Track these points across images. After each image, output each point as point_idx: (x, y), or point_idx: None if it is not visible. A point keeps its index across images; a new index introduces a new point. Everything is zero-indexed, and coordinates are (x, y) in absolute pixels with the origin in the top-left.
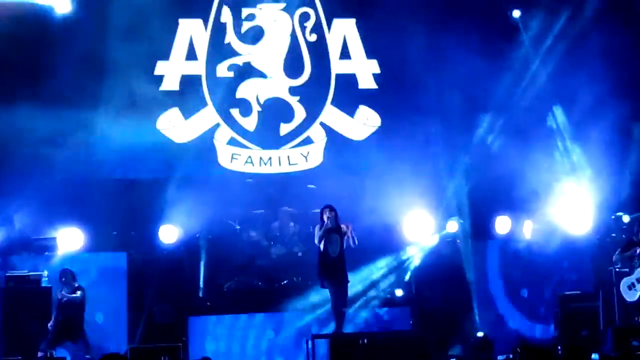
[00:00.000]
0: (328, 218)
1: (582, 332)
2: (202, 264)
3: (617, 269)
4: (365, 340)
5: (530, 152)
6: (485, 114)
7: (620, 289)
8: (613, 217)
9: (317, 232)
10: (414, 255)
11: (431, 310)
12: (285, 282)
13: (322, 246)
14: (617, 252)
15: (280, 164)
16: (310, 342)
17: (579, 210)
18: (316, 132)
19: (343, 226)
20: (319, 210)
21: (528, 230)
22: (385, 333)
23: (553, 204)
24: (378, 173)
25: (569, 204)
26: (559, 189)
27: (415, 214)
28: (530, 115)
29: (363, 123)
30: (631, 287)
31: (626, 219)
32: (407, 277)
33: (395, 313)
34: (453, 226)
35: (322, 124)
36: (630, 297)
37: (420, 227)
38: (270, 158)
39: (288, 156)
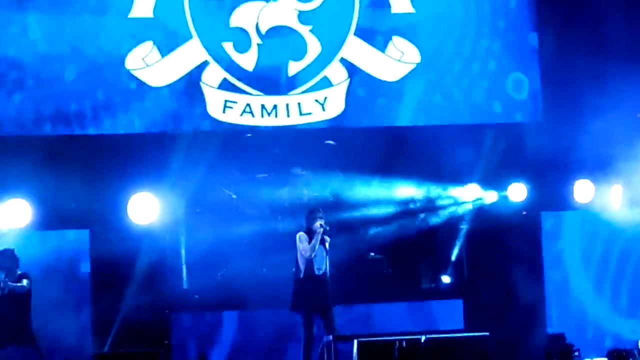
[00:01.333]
0: (322, 225)
1: None
2: (185, 245)
3: None
4: (404, 344)
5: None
6: None
7: None
8: None
9: (304, 244)
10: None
11: (490, 303)
12: (293, 269)
13: (302, 263)
14: None
15: (288, 114)
16: (328, 346)
17: None
18: (335, 72)
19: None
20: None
21: (617, 199)
22: (430, 334)
23: None
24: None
25: None
26: None
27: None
28: None
29: (397, 59)
30: None
31: None
32: (454, 256)
33: (441, 307)
34: (518, 192)
35: (342, 60)
36: None
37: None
38: (275, 106)
39: (299, 103)
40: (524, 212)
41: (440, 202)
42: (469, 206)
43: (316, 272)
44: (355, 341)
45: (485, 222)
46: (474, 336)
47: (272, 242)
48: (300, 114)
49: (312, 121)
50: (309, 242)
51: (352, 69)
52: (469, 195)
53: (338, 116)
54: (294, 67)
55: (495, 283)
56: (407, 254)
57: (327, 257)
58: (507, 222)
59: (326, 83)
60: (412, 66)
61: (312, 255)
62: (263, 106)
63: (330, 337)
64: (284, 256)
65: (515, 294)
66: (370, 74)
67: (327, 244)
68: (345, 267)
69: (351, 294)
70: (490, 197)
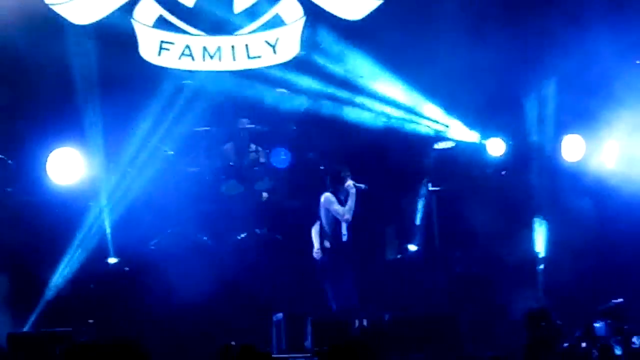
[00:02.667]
0: (355, 184)
1: None
2: (111, 209)
3: None
4: (365, 323)
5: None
6: None
7: None
8: None
9: (337, 205)
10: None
11: (464, 277)
12: (243, 235)
13: (329, 228)
14: None
15: (234, 58)
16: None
17: None
18: (289, 8)
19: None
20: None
21: (612, 157)
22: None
23: None
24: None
25: None
26: None
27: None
28: None
29: None
30: None
31: None
32: (418, 220)
33: (406, 284)
34: (497, 147)
35: None
36: None
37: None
38: (219, 48)
39: (246, 45)
40: (503, 172)
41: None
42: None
43: (343, 238)
44: (309, 320)
45: (458, 181)
46: (443, 314)
47: (212, 206)
48: (248, 57)
49: (261, 65)
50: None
51: (308, 5)
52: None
53: (292, 60)
54: (240, 3)
55: (469, 253)
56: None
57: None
58: (483, 180)
59: (278, 21)
60: (378, 2)
61: (350, 219)
62: (205, 48)
63: (281, 314)
64: (229, 222)
65: (493, 266)
66: (329, 11)
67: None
68: (300, 236)
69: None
70: (471, 137)
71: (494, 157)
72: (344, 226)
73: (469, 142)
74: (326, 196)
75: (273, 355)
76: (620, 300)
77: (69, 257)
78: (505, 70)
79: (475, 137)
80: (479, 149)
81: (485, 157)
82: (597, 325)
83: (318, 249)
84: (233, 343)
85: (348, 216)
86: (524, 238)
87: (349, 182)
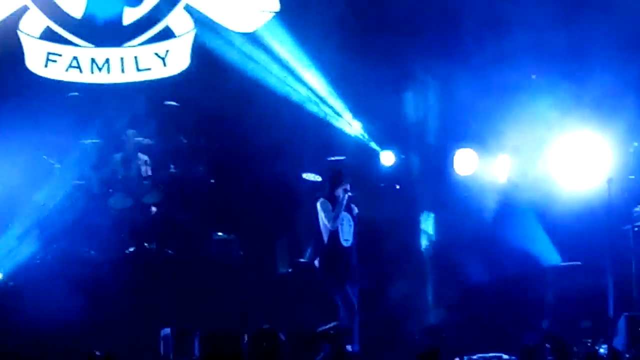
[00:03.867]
0: (345, 192)
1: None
2: None
3: (638, 227)
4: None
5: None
6: None
7: None
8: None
9: (327, 212)
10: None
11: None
12: (131, 249)
13: (326, 233)
14: None
15: (123, 70)
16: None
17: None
18: (179, 21)
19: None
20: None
21: (504, 170)
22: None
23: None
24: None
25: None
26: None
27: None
28: None
29: (253, 7)
30: None
31: None
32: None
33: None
34: (388, 158)
35: (188, 7)
36: None
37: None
38: (107, 60)
39: (135, 57)
40: (397, 186)
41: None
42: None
43: (343, 243)
44: (197, 335)
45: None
46: (338, 328)
47: (99, 220)
48: (138, 69)
49: (151, 78)
50: (333, 211)
51: (199, 18)
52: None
53: (182, 73)
54: (130, 14)
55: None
56: (263, 231)
57: (354, 227)
58: (375, 193)
59: (168, 34)
60: (270, 15)
61: (336, 226)
62: (93, 60)
63: (169, 329)
64: (117, 236)
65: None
66: (221, 24)
67: (354, 213)
68: (190, 250)
69: (199, 283)
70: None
71: (386, 168)
72: (344, 232)
73: (363, 154)
74: (319, 201)
75: None
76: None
77: None
78: (394, 81)
79: (371, 149)
80: (372, 161)
81: (379, 169)
82: None
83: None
84: (97, 353)
85: (332, 224)
86: (414, 252)
87: (342, 189)
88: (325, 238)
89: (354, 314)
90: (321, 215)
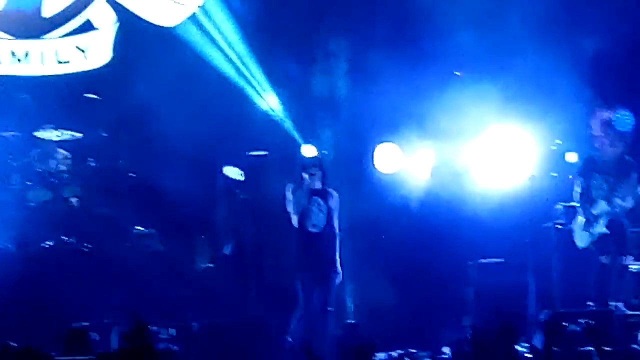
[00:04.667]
0: (312, 177)
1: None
2: None
3: (560, 225)
4: (175, 333)
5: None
6: None
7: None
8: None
9: (290, 195)
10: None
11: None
12: (49, 243)
13: (295, 218)
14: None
15: (43, 62)
16: None
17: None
18: (101, 13)
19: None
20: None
21: (426, 167)
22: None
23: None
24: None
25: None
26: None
27: None
28: None
29: (176, 1)
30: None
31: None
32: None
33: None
34: (310, 151)
35: (110, 0)
36: (581, 240)
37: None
38: (27, 53)
39: (56, 50)
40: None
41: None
42: None
43: (310, 228)
44: (114, 329)
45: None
46: (254, 322)
47: (18, 213)
48: (58, 62)
49: (71, 71)
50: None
51: (121, 11)
52: None
53: (104, 66)
54: (49, 6)
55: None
56: (183, 226)
57: (327, 213)
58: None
59: (89, 27)
60: (194, 8)
61: (296, 211)
62: (13, 53)
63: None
64: (35, 230)
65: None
66: (143, 17)
67: (331, 199)
68: (109, 244)
69: (118, 278)
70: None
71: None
72: (312, 217)
73: (284, 150)
74: (287, 187)
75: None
76: None
77: None
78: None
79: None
80: (294, 157)
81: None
82: None
83: None
84: (14, 344)
85: (289, 208)
86: None
87: (305, 175)
88: (295, 222)
89: (296, 306)
90: (289, 198)
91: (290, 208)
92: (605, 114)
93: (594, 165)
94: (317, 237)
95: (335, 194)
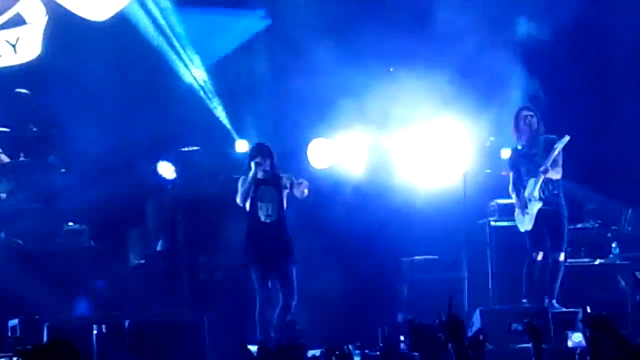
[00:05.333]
0: (257, 165)
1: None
2: None
3: (494, 222)
4: (104, 329)
5: None
6: None
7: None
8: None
9: (240, 187)
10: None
11: (208, 283)
12: None
13: (247, 207)
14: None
15: None
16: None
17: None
18: (30, 8)
19: (286, 178)
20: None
21: (360, 163)
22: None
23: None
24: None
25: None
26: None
27: None
28: None
29: None
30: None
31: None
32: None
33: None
34: (241, 146)
35: None
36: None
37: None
38: None
39: None
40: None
41: None
42: None
43: (263, 219)
44: (46, 326)
45: (205, 185)
46: (187, 319)
47: None
48: None
49: (1, 65)
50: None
51: (52, 5)
52: None
53: (33, 61)
54: None
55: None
56: (115, 222)
57: (282, 201)
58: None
59: (19, 21)
60: (124, 3)
61: (242, 201)
62: None
63: (17, 320)
64: None
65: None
66: (73, 12)
67: (289, 188)
68: (40, 240)
69: (48, 274)
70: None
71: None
72: (265, 207)
73: (217, 146)
74: (240, 179)
75: None
76: None
77: None
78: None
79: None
80: (227, 153)
81: (235, 159)
82: None
83: None
84: None
85: (238, 199)
86: None
87: (252, 164)
88: (248, 213)
89: (266, 302)
90: (239, 189)
91: (239, 200)
92: (523, 111)
93: (519, 153)
94: (270, 226)
95: (290, 180)
